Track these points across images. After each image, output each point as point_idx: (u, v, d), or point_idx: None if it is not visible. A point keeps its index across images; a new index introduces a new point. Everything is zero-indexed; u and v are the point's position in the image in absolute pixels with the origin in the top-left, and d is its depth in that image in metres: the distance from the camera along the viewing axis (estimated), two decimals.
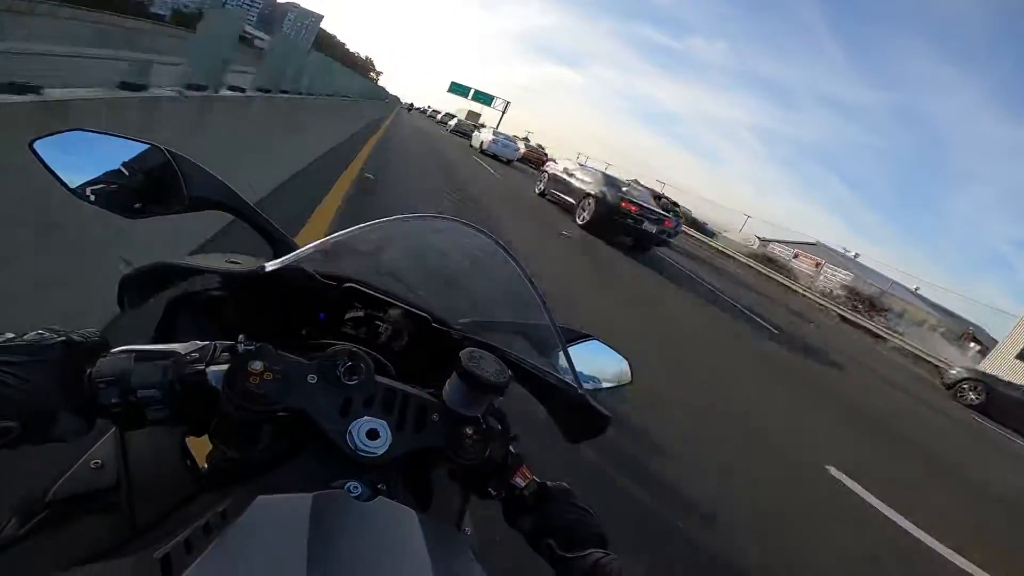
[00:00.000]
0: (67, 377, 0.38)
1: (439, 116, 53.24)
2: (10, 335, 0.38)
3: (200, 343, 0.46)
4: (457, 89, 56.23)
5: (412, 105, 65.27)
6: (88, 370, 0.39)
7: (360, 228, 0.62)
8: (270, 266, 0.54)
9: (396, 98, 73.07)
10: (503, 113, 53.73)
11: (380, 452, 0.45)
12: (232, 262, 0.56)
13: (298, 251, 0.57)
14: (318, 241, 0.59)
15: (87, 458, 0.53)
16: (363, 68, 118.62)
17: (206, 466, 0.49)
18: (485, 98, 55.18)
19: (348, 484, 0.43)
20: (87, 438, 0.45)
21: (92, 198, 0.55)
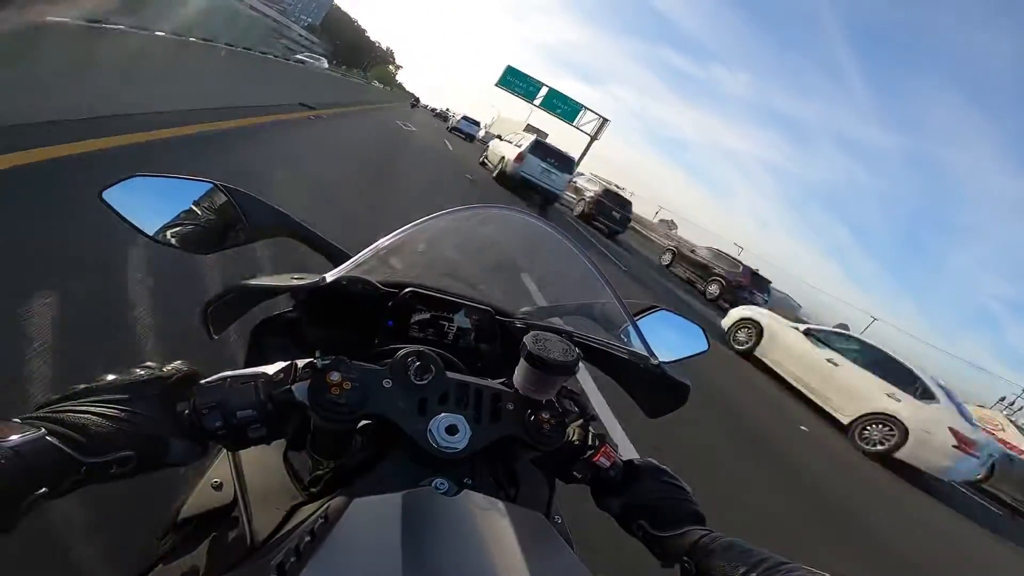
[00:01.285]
0: (168, 407, 0.41)
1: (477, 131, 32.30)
2: (111, 377, 0.41)
3: (283, 363, 0.47)
4: (513, 82, 24.77)
5: (417, 101, 51.99)
6: (191, 399, 0.42)
7: (412, 227, 0.62)
8: (331, 276, 0.56)
9: (414, 96, 67.43)
10: (592, 139, 24.39)
11: (461, 446, 0.46)
12: (297, 278, 0.58)
13: (353, 259, 0.58)
14: (371, 247, 0.60)
15: (207, 478, 0.58)
16: (382, 59, 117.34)
17: (312, 475, 0.52)
18: (565, 107, 24.57)
19: (435, 481, 0.45)
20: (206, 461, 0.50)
21: (170, 241, 0.59)
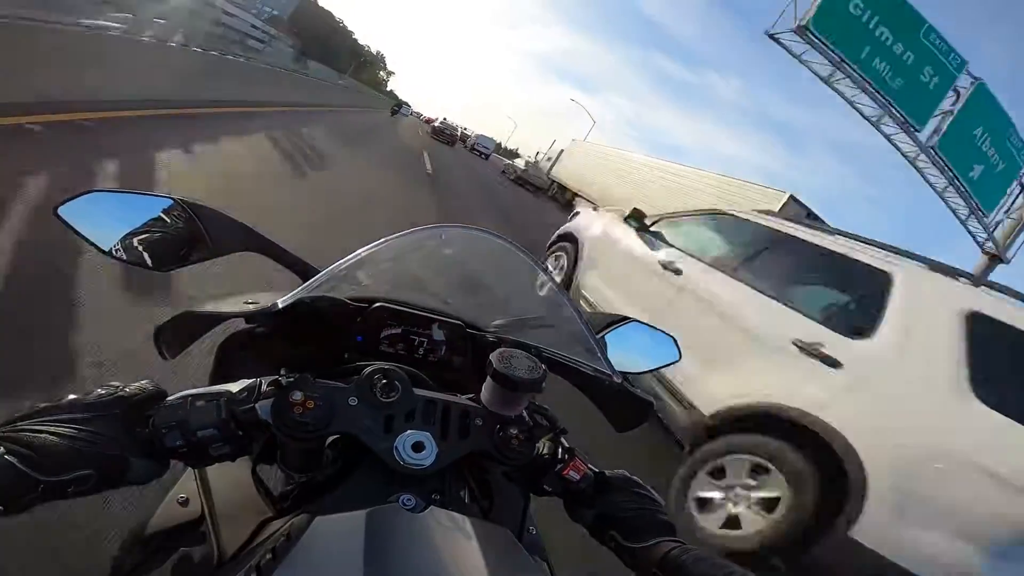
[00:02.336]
0: (130, 427, 0.41)
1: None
2: (72, 396, 0.40)
3: (247, 381, 0.47)
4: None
5: (400, 106, 39.32)
6: (151, 418, 0.42)
7: (377, 245, 0.61)
8: (282, 302, 0.55)
9: (406, 104, 62.28)
10: None
11: (428, 463, 0.46)
12: (250, 302, 0.57)
13: (307, 283, 0.57)
14: (332, 266, 0.59)
15: (173, 494, 0.58)
16: (372, 63, 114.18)
17: (281, 489, 0.52)
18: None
19: (402, 497, 0.44)
20: (171, 476, 0.49)
21: (124, 256, 0.57)
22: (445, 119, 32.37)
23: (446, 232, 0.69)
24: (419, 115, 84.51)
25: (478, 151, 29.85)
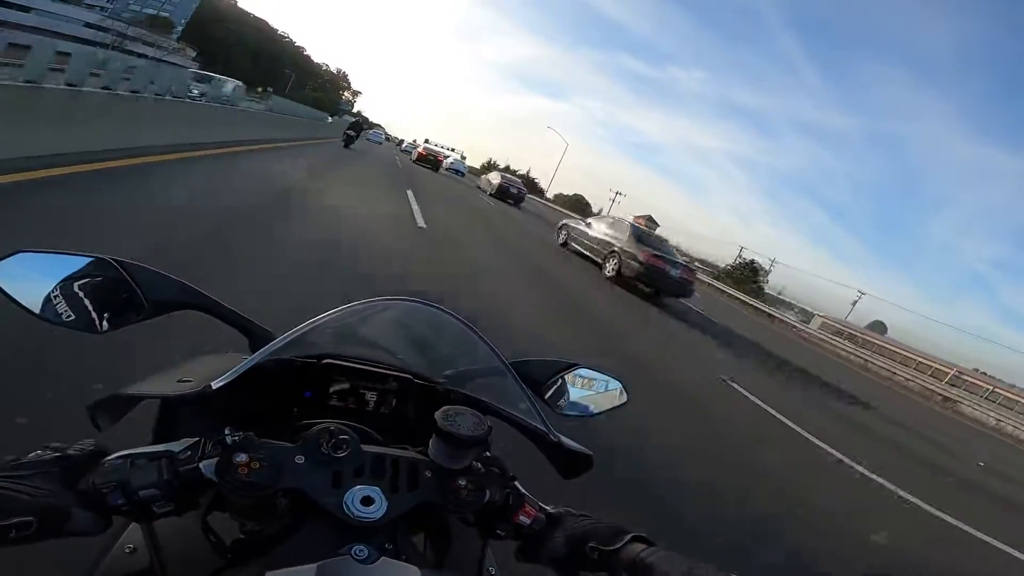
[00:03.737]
0: (71, 482, 0.41)
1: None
2: (10, 457, 0.41)
3: (190, 440, 0.48)
4: None
5: (360, 128, 24.50)
6: (91, 478, 0.42)
7: (325, 315, 0.62)
8: (217, 383, 0.53)
9: (376, 127, 49.46)
10: None
11: (378, 516, 0.47)
12: (184, 380, 0.57)
13: (246, 361, 0.56)
14: (274, 341, 0.58)
15: (121, 543, 0.56)
16: (332, 83, 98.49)
17: (233, 539, 0.52)
18: None
19: (354, 548, 0.44)
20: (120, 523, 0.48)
21: (61, 320, 0.55)
22: (427, 141, 35.34)
23: (388, 304, 0.69)
24: (396, 140, 61.42)
25: (453, 170, 32.58)
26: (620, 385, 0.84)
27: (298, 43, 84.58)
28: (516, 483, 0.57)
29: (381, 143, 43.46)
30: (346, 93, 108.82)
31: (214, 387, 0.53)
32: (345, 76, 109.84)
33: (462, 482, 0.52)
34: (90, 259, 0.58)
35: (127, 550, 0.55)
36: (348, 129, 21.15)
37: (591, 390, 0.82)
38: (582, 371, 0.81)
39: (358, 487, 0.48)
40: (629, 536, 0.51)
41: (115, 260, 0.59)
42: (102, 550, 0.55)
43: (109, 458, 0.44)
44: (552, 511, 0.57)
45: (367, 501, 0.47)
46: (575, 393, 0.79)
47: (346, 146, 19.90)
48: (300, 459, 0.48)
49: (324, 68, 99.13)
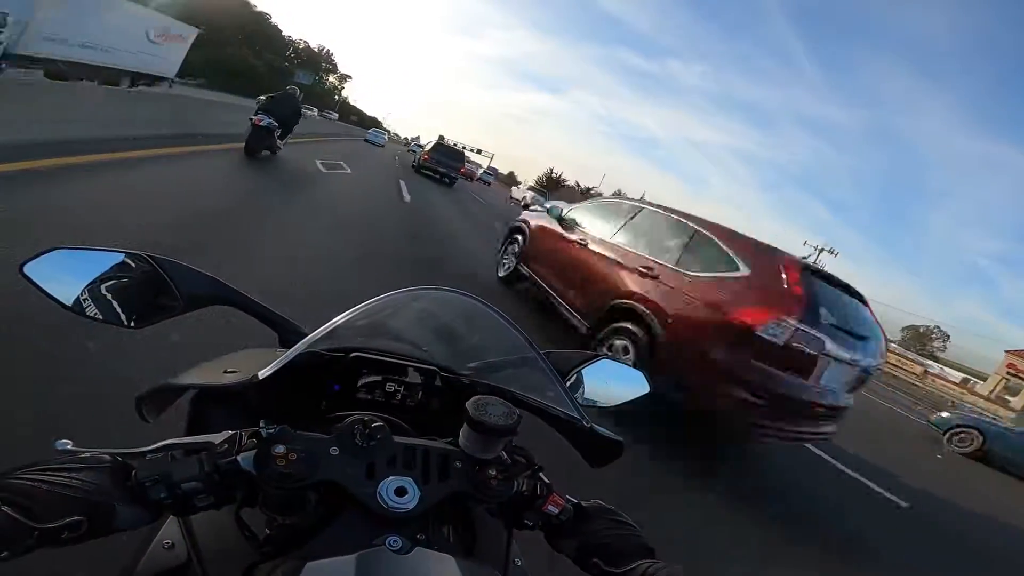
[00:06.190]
0: (117, 478, 0.42)
1: None
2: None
3: (228, 432, 0.48)
4: None
5: (286, 105, 8.58)
6: (133, 472, 0.43)
7: (355, 310, 0.62)
8: (263, 373, 0.54)
9: (376, 128, 39.20)
10: None
11: (411, 506, 0.47)
12: (229, 371, 0.57)
13: (288, 352, 0.56)
14: (313, 333, 0.59)
15: (159, 539, 0.56)
16: (312, 63, 70.26)
17: (266, 533, 0.51)
18: None
19: (389, 539, 0.45)
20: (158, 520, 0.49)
21: (90, 313, 0.56)
22: (442, 139, 26.73)
23: (419, 293, 0.69)
24: (404, 140, 48.22)
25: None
26: (643, 376, 0.87)
27: (259, 7, 63.59)
28: (542, 473, 0.58)
29: (383, 145, 34.16)
30: (330, 77, 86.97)
31: (260, 377, 0.53)
32: (329, 55, 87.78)
33: (492, 472, 0.53)
34: (124, 255, 0.59)
35: (165, 546, 0.55)
36: (259, 111, 8.41)
37: (613, 381, 0.83)
38: (604, 362, 0.82)
39: (391, 478, 0.48)
40: (637, 563, 0.51)
41: (151, 256, 0.60)
42: (139, 546, 0.55)
43: (150, 449, 0.45)
44: (583, 504, 0.58)
45: (400, 492, 0.48)
46: (599, 382, 0.81)
47: (250, 153, 8.37)
48: (335, 450, 0.48)
49: (303, 45, 78.17)
